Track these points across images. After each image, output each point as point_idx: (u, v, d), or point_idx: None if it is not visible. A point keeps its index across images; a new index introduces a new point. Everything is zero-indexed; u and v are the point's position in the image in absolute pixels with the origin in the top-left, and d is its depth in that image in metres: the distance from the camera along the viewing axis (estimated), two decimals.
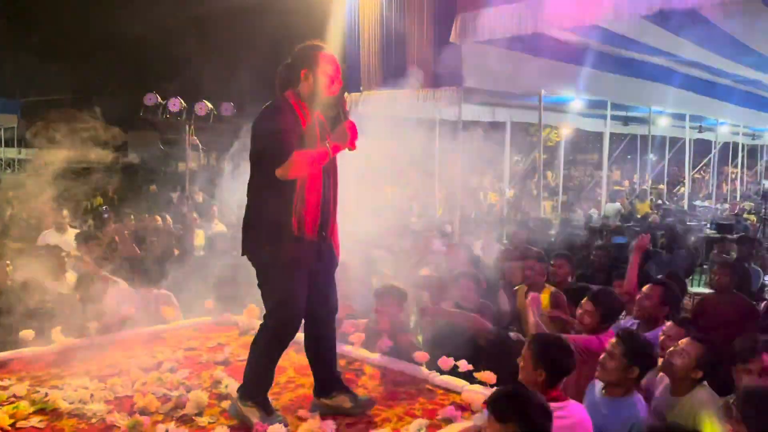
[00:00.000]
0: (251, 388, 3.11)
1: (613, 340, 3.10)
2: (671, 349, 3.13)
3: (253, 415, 3.01)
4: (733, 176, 19.45)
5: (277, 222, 2.95)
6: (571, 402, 3.03)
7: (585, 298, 3.86)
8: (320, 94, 3.04)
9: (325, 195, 3.07)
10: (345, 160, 3.22)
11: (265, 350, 3.11)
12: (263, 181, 2.98)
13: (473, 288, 4.68)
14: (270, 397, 3.16)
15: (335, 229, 3.22)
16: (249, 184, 3.07)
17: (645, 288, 4.18)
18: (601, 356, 3.12)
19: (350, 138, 3.02)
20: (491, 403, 2.59)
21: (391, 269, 6.12)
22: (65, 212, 7.42)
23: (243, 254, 3.12)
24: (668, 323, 3.59)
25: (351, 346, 4.19)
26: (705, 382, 3.10)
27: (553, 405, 2.81)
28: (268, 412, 3.05)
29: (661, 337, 3.55)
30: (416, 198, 14.82)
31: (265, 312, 3.13)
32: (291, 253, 2.96)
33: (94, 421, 3.14)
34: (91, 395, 3.37)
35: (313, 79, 3.01)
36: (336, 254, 3.26)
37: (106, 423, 3.10)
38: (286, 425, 2.97)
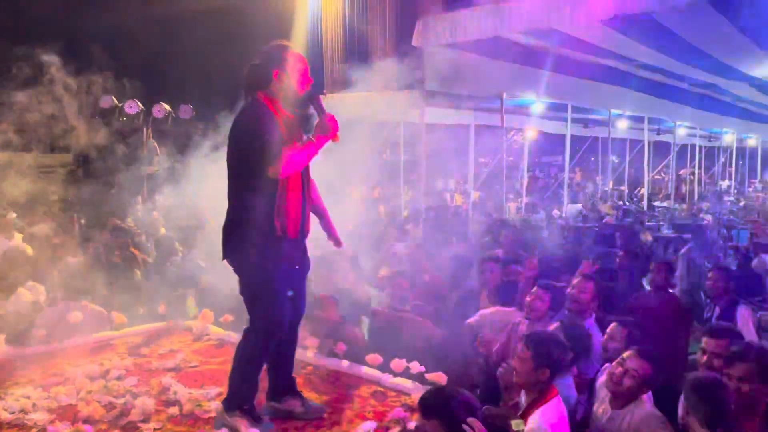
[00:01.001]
0: (238, 397, 3.07)
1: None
2: (617, 368, 3.09)
3: (242, 425, 2.98)
4: (691, 177, 19.93)
5: (260, 223, 2.93)
6: (558, 397, 3.07)
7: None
8: (293, 93, 3.03)
9: (304, 194, 3.08)
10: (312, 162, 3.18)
11: (253, 355, 3.08)
12: (244, 183, 2.96)
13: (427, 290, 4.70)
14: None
15: (308, 232, 3.21)
16: (229, 187, 3.04)
17: (577, 282, 4.21)
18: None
19: (332, 129, 3.01)
20: (419, 401, 2.62)
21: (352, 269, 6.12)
22: (12, 215, 7.22)
23: (224, 258, 3.08)
24: (612, 325, 3.61)
25: (304, 350, 4.16)
26: (645, 396, 3.10)
27: (552, 402, 2.91)
28: (256, 420, 3.03)
29: (605, 338, 3.59)
30: (382, 200, 14.84)
31: (249, 317, 3.09)
32: (276, 253, 2.96)
33: (35, 431, 3.07)
34: (34, 404, 3.30)
35: (285, 78, 3.00)
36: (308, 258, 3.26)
37: None
38: None
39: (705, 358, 3.23)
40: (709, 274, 4.96)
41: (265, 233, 2.94)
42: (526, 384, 3.03)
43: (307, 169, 3.12)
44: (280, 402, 3.27)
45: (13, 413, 3.20)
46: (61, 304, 4.59)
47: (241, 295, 3.10)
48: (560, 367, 3.13)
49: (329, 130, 2.98)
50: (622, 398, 3.04)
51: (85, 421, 3.13)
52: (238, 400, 3.07)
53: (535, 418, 2.87)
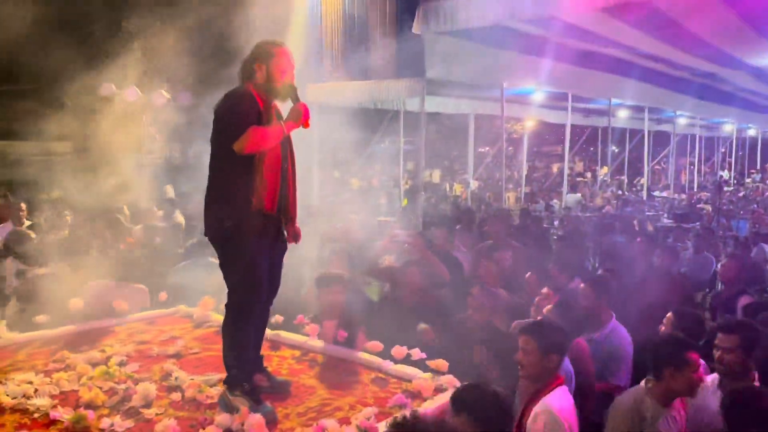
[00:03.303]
0: (234, 374, 3.18)
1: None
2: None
3: (242, 404, 3.05)
4: (691, 167, 19.94)
5: (236, 197, 3.08)
6: (564, 384, 3.11)
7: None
8: (273, 84, 3.22)
9: (284, 175, 3.23)
10: (309, 151, 3.30)
11: (235, 328, 3.19)
12: (222, 159, 3.12)
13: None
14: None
15: (295, 213, 3.36)
16: (210, 164, 3.20)
17: (582, 287, 4.28)
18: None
19: (303, 116, 3.19)
20: (451, 398, 2.69)
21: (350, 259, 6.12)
22: (23, 205, 7.27)
23: (205, 234, 3.23)
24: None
25: (306, 337, 4.18)
26: None
27: (560, 390, 2.98)
28: (256, 401, 3.09)
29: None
30: (382, 189, 14.85)
31: (228, 290, 3.19)
32: (251, 225, 3.08)
33: (37, 416, 3.08)
34: (36, 390, 3.30)
35: (266, 70, 3.21)
36: (296, 238, 3.39)
37: (49, 418, 3.03)
38: (273, 417, 3.03)
39: (718, 354, 3.25)
40: (723, 262, 5.00)
41: (240, 207, 3.07)
42: (535, 375, 3.07)
43: (288, 150, 3.28)
44: None
45: (15, 398, 3.20)
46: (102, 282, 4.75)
47: (220, 269, 3.21)
48: (565, 350, 3.19)
49: (300, 116, 3.19)
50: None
51: (87, 406, 3.13)
52: (236, 379, 3.16)
53: (544, 406, 2.89)
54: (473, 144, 15.10)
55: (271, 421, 3.00)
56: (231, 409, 3.06)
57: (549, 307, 4.05)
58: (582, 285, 4.36)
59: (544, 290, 4.34)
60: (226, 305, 3.21)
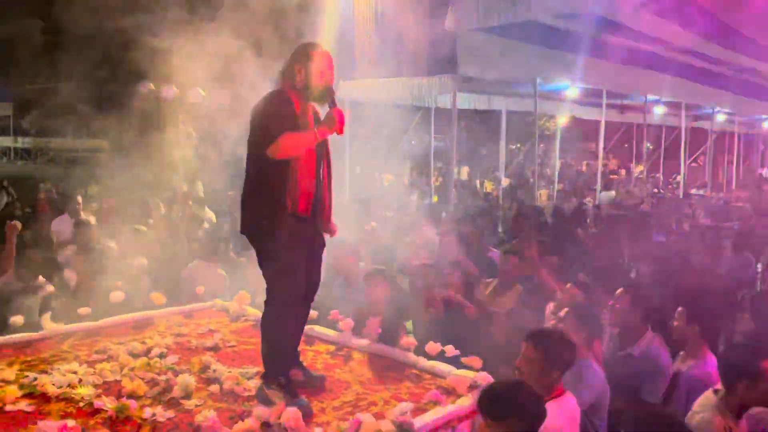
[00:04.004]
0: (271, 369, 3.24)
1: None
2: None
3: (277, 398, 3.11)
4: (729, 165, 19.48)
5: (270, 199, 3.12)
6: (568, 392, 3.07)
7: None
8: (311, 87, 3.23)
9: (319, 178, 3.26)
10: (341, 147, 3.33)
11: (274, 323, 3.23)
12: (257, 161, 3.16)
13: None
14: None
15: (330, 212, 3.39)
16: (246, 164, 3.24)
17: (618, 293, 4.08)
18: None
19: (337, 123, 3.19)
20: (484, 407, 2.56)
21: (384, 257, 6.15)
22: (79, 199, 7.52)
23: (242, 232, 3.29)
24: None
25: (340, 332, 4.22)
26: None
27: (559, 399, 2.93)
28: (292, 395, 3.14)
29: None
30: (413, 186, 14.83)
31: (266, 287, 3.24)
32: (287, 227, 3.12)
33: (81, 405, 3.16)
34: (80, 380, 3.39)
35: (304, 72, 3.22)
36: (332, 232, 3.44)
37: (93, 407, 3.12)
38: (309, 411, 3.07)
39: None
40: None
41: (276, 209, 3.11)
42: (534, 385, 2.95)
43: (324, 153, 3.30)
44: None
45: (60, 387, 3.30)
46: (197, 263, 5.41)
47: (260, 267, 3.26)
48: (569, 365, 3.11)
49: (334, 123, 3.18)
50: None
51: (129, 396, 3.21)
52: (273, 373, 3.22)
53: None
54: (505, 140, 14.99)
55: (307, 415, 3.04)
56: (268, 402, 3.11)
57: (565, 310, 3.83)
58: (619, 291, 4.10)
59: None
60: (265, 301, 3.26)
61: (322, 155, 3.28)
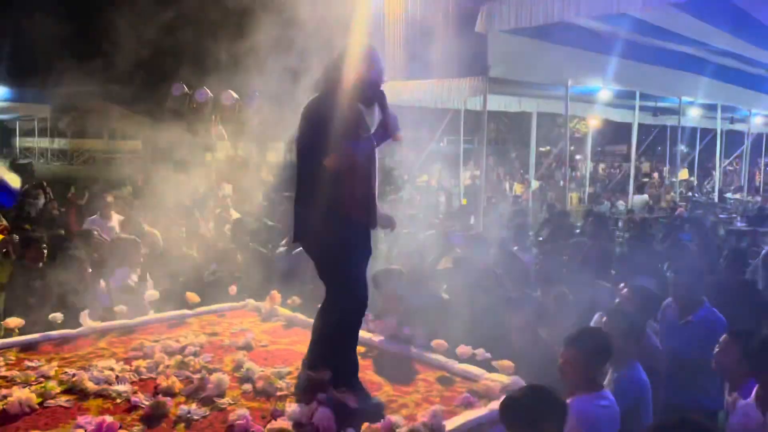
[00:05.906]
0: (342, 376, 3.15)
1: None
2: None
3: (350, 399, 3.06)
4: (766, 168, 19.01)
5: (331, 207, 3.04)
6: (603, 393, 3.05)
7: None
8: (363, 89, 3.12)
9: (371, 182, 3.17)
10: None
11: (343, 335, 3.19)
12: (315, 167, 3.05)
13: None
14: None
15: (376, 217, 3.29)
16: (300, 171, 3.15)
17: None
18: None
19: (394, 129, 3.13)
20: (514, 416, 2.54)
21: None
22: (110, 198, 7.63)
23: (296, 240, 3.23)
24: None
25: (370, 334, 4.23)
26: None
27: (599, 394, 2.96)
28: (366, 395, 3.15)
29: None
30: (441, 188, 14.81)
31: (327, 294, 3.19)
32: (350, 235, 3.07)
33: (119, 401, 3.23)
34: (117, 377, 3.46)
35: (357, 74, 3.09)
36: (393, 226, 3.46)
37: (130, 403, 3.18)
38: (382, 408, 3.07)
39: None
40: None
41: (337, 216, 3.04)
42: (575, 386, 3.02)
43: (374, 158, 3.19)
44: (339, 390, 3.21)
45: (98, 384, 3.37)
46: None
47: (320, 278, 3.20)
48: (608, 360, 3.14)
49: (391, 129, 3.10)
50: None
51: (165, 393, 3.27)
52: (342, 378, 3.15)
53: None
54: (535, 143, 14.86)
55: (380, 413, 3.02)
56: (337, 404, 3.05)
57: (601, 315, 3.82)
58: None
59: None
60: (326, 309, 3.20)
61: (372, 160, 3.17)
